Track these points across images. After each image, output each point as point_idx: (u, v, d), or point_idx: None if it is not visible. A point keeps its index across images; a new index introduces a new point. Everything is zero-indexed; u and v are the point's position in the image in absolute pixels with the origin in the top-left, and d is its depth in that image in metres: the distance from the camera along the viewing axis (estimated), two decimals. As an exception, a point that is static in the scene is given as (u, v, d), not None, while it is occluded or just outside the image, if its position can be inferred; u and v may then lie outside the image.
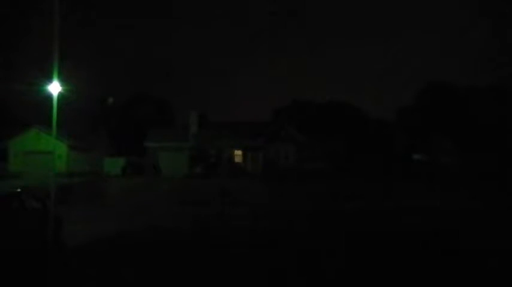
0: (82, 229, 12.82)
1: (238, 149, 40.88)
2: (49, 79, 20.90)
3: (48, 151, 35.73)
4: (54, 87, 20.72)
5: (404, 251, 10.01)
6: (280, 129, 42.69)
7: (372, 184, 29.57)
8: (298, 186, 28.84)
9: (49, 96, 18.38)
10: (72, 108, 36.18)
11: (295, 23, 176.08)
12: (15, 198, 9.93)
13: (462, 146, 42.03)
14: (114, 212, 17.26)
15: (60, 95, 18.75)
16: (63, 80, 21.17)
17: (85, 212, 16.73)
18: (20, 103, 43.13)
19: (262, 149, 40.58)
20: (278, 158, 40.44)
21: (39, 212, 10.38)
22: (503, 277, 8.10)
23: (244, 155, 40.89)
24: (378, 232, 12.64)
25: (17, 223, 9.54)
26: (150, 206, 19.76)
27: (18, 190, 10.58)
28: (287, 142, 41.00)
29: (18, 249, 9.19)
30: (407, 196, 22.78)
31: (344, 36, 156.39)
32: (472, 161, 38.73)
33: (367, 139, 52.95)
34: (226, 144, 40.18)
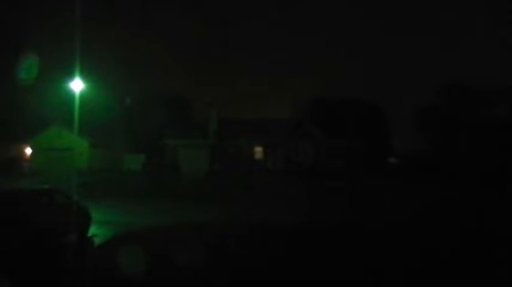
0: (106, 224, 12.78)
1: (258, 146, 40.69)
2: (71, 78, 20.98)
3: (69, 148, 36.23)
4: (76, 85, 20.82)
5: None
6: (299, 126, 42.35)
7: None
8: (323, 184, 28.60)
9: (71, 95, 18.34)
10: (93, 105, 36.59)
11: (314, 20, 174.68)
12: (45, 194, 10.00)
13: (478, 146, 41.13)
14: (136, 209, 17.20)
15: (82, 93, 18.70)
16: (85, 78, 21.16)
17: (108, 208, 16.70)
18: (42, 102, 43.72)
19: (282, 146, 40.33)
20: (297, 155, 40.15)
21: (69, 207, 10.46)
22: None
23: (264, 152, 40.68)
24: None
25: (49, 218, 9.57)
26: (170, 202, 19.67)
27: (46, 186, 10.64)
28: (306, 139, 40.68)
29: (50, 242, 9.23)
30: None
31: (362, 35, 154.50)
32: (488, 161, 37.87)
33: (386, 138, 52.29)
34: (245, 141, 40.02)
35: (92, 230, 11.68)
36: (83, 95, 21.30)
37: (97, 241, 11.02)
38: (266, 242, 11.08)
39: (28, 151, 40.69)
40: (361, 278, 8.13)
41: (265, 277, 8.17)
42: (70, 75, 20.87)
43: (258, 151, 40.72)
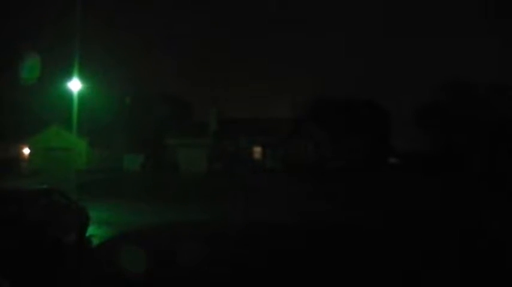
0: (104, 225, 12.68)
1: (257, 146, 40.59)
2: (69, 78, 20.86)
3: (67, 148, 36.08)
4: (75, 85, 20.70)
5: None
6: (299, 125, 42.27)
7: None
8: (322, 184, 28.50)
9: (70, 95, 18.23)
10: (93, 105, 36.53)
11: (313, 19, 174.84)
12: (43, 194, 9.92)
13: (481, 143, 41.08)
14: (135, 208, 17.09)
15: (82, 93, 18.58)
16: (84, 78, 21.03)
17: (107, 208, 16.60)
18: (41, 102, 43.63)
19: (282, 146, 40.23)
20: (297, 155, 40.05)
21: (68, 207, 10.39)
22: None
23: (263, 152, 40.57)
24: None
25: (48, 218, 9.48)
26: (168, 202, 19.55)
27: (45, 186, 10.55)
28: (307, 139, 40.58)
29: (48, 243, 9.13)
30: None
31: (363, 34, 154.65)
32: (491, 159, 37.83)
33: (386, 137, 52.13)
34: (245, 140, 39.92)
35: (90, 230, 11.59)
36: (82, 95, 21.22)
37: (95, 241, 10.93)
38: (264, 241, 11.00)
39: (26, 151, 40.54)
40: (357, 277, 8.06)
41: (264, 276, 8.09)
42: (69, 76, 20.80)
43: (257, 150, 40.62)
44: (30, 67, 37.34)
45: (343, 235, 12.02)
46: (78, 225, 10.71)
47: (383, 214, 15.94)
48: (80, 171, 31.55)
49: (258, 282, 7.83)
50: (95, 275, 8.25)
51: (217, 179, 31.92)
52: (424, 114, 50.76)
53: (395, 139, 54.42)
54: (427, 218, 14.79)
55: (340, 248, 10.34)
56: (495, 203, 18.93)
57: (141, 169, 39.95)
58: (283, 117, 47.04)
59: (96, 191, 23.26)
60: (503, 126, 40.80)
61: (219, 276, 8.00)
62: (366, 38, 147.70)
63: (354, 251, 9.93)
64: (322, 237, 11.70)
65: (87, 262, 9.35)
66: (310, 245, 10.55)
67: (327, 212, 16.35)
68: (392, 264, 8.90)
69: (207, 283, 7.70)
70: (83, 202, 11.91)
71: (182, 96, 59.40)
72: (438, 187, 26.54)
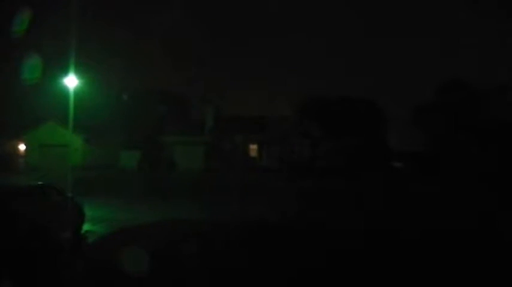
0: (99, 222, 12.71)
1: (253, 144, 40.61)
2: (66, 74, 20.78)
3: (64, 144, 36.00)
4: (71, 81, 20.64)
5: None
6: (296, 124, 42.29)
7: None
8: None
9: (67, 91, 18.21)
10: (89, 102, 36.37)
11: (313, 19, 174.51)
12: (38, 191, 9.92)
13: (481, 144, 41.10)
14: (130, 206, 17.07)
15: (78, 89, 18.56)
16: (81, 74, 21.00)
17: (102, 205, 16.60)
18: (37, 98, 43.45)
19: (278, 144, 40.25)
20: (293, 153, 40.10)
21: (63, 204, 10.40)
22: None
23: (259, 150, 40.59)
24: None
25: (43, 214, 9.49)
26: (163, 199, 19.52)
27: (40, 182, 10.56)
28: (303, 137, 40.61)
29: (41, 240, 9.13)
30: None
31: (360, 32, 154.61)
32: (491, 160, 37.83)
33: (383, 137, 52.10)
34: (241, 138, 39.93)
35: (86, 226, 11.62)
36: (78, 91, 21.16)
37: (91, 237, 10.95)
38: (259, 241, 11.07)
39: (22, 147, 40.44)
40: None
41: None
42: (66, 72, 20.73)
43: (253, 148, 40.64)
44: (31, 67, 37.04)
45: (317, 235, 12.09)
46: (73, 222, 10.73)
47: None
48: (76, 168, 31.51)
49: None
50: (91, 272, 8.28)
51: (212, 177, 31.93)
52: (423, 114, 50.78)
53: (393, 139, 54.32)
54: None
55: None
56: (486, 204, 19.01)
57: (138, 165, 39.87)
58: (280, 115, 46.99)
59: (92, 188, 23.25)
60: (503, 127, 40.85)
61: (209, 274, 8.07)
62: (365, 37, 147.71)
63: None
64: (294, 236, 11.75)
65: (83, 259, 9.38)
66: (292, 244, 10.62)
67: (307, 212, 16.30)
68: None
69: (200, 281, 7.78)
70: (78, 199, 11.91)
71: (179, 94, 59.25)
72: (433, 189, 26.41)
